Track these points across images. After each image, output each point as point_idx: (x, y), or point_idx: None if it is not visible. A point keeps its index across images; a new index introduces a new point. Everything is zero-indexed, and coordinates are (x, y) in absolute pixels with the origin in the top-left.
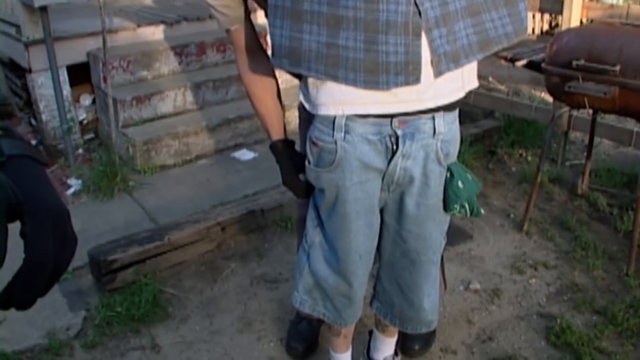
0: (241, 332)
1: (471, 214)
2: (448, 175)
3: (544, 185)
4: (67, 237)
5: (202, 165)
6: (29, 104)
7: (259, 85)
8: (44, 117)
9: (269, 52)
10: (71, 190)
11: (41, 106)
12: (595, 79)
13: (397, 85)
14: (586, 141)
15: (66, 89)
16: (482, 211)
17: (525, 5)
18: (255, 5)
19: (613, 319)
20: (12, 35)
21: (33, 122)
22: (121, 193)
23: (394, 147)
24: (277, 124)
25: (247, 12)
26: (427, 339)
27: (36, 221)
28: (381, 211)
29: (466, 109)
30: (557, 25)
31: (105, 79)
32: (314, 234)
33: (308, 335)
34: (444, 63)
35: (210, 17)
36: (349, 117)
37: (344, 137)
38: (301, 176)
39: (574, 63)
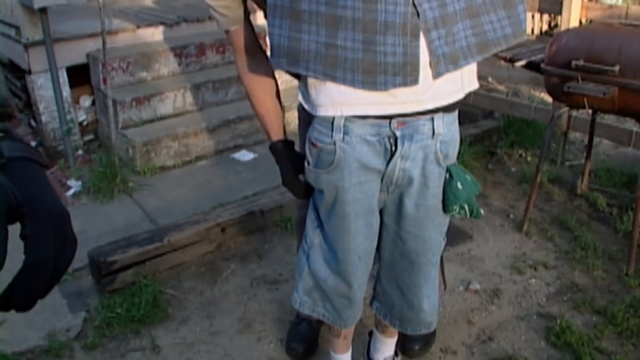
0: (241, 333)
1: (471, 215)
2: (447, 176)
3: (544, 186)
4: (67, 239)
5: (202, 166)
6: (29, 106)
7: (259, 86)
8: (43, 118)
9: (269, 52)
10: (71, 192)
11: (41, 107)
12: (594, 79)
13: (394, 86)
14: (586, 141)
15: (66, 91)
16: (482, 212)
17: (525, 8)
18: (255, 6)
19: (613, 319)
20: (11, 37)
21: (33, 123)
22: (121, 194)
23: (393, 148)
24: (276, 124)
25: (247, 13)
26: (427, 339)
27: (36, 223)
28: (381, 212)
29: (466, 110)
30: (556, 25)
31: (104, 80)
32: (313, 235)
33: (308, 336)
34: (443, 64)
35: (210, 18)
36: (347, 118)
37: (343, 138)
38: (301, 177)
39: (573, 63)
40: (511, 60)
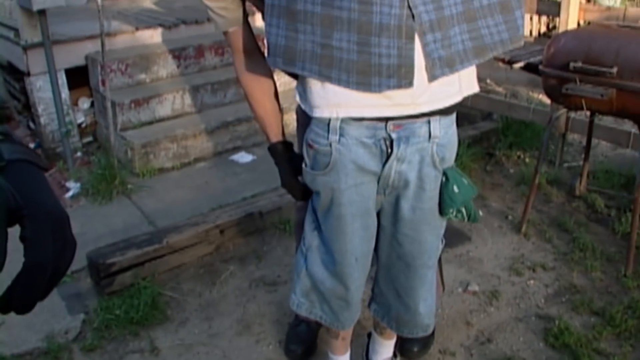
0: (240, 334)
1: (468, 218)
2: (443, 179)
3: (542, 187)
4: (66, 241)
5: (201, 168)
6: (28, 107)
7: (257, 87)
8: (42, 120)
9: (266, 52)
10: (70, 194)
11: (40, 109)
12: (592, 80)
13: (389, 88)
14: (584, 143)
15: (65, 92)
16: (480, 216)
17: (522, 13)
18: (254, 8)
19: (611, 320)
20: (10, 39)
21: (31, 125)
22: (120, 196)
23: (389, 150)
24: (275, 125)
25: (245, 14)
26: (426, 341)
27: (36, 225)
28: (378, 214)
29: (464, 111)
30: (554, 27)
31: (103, 82)
32: (311, 237)
33: (307, 337)
34: (438, 68)
35: (209, 20)
36: (343, 120)
37: (339, 139)
38: (300, 178)
39: (572, 65)
40: (509, 62)
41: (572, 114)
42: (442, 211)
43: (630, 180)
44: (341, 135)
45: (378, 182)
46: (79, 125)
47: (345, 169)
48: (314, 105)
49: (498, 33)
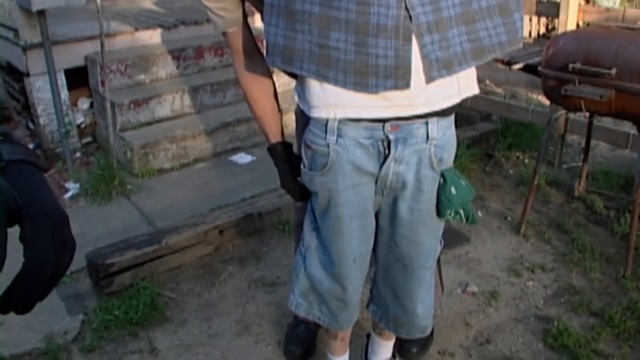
0: (239, 335)
1: (467, 220)
2: (441, 181)
3: (541, 188)
4: (66, 241)
5: (200, 168)
6: (27, 108)
7: (257, 88)
8: (41, 120)
9: (264, 52)
10: (69, 194)
11: (39, 110)
12: (591, 82)
13: (386, 88)
14: (583, 144)
15: (64, 93)
16: (478, 218)
17: (521, 15)
18: (253, 9)
19: (610, 321)
20: (10, 39)
21: (31, 125)
22: (119, 197)
23: (386, 151)
24: (275, 126)
25: (245, 15)
26: (425, 342)
27: (35, 225)
28: (377, 215)
29: (463, 112)
30: (553, 28)
31: (103, 83)
32: (310, 238)
33: (306, 338)
34: (436, 69)
35: (208, 20)
36: (341, 121)
37: (337, 140)
38: (299, 179)
39: (571, 66)
40: (509, 63)
41: (571, 115)
42: (439, 212)
43: (629, 181)
44: (339, 135)
45: (376, 183)
46: (78, 126)
47: (343, 169)
48: (312, 105)
49: (497, 35)
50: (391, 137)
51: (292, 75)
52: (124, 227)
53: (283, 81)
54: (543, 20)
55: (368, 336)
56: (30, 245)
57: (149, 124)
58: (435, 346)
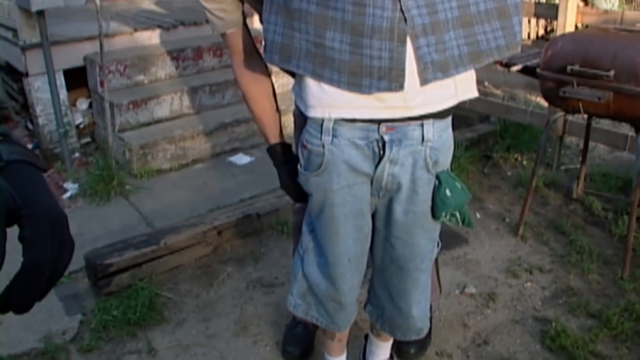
0: (237, 336)
1: (463, 223)
2: (436, 182)
3: (539, 190)
4: (64, 241)
5: (199, 169)
6: (26, 108)
7: (256, 89)
8: (40, 121)
9: (262, 49)
10: (67, 194)
11: (38, 110)
12: (589, 84)
13: (379, 90)
14: (581, 145)
15: (63, 93)
16: (474, 221)
17: (520, 20)
18: (252, 10)
19: (608, 322)
20: (9, 39)
21: (29, 125)
22: (118, 197)
23: (381, 152)
24: (274, 127)
25: (244, 16)
26: (423, 343)
27: (34, 225)
28: (373, 216)
29: (462, 114)
30: (552, 30)
31: (102, 83)
32: (308, 239)
33: (304, 339)
34: (431, 72)
35: (207, 21)
36: (336, 121)
37: (332, 140)
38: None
39: (569, 68)
40: (507, 65)
41: (570, 117)
42: (434, 214)
43: (627, 183)
44: (334, 136)
45: (371, 185)
46: (77, 126)
47: (338, 169)
48: (308, 104)
49: (495, 39)
50: (386, 138)
51: (291, 73)
52: (123, 228)
53: (282, 82)
54: (542, 22)
55: (366, 337)
56: (29, 245)
57: (148, 124)
58: (433, 347)
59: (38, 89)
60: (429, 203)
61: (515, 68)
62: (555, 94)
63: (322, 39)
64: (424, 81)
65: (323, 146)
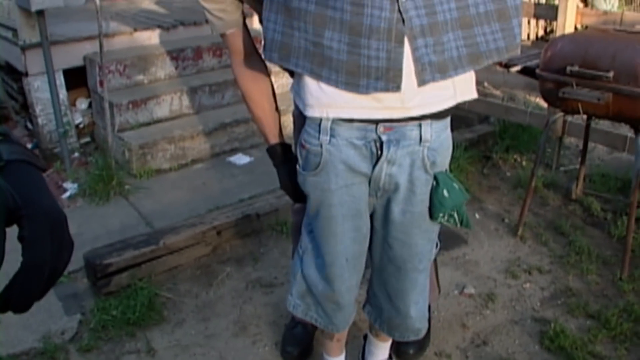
0: (236, 336)
1: (461, 224)
2: (434, 183)
3: (539, 190)
4: (64, 241)
5: (198, 169)
6: (25, 108)
7: (255, 89)
8: (40, 120)
9: (262, 46)
10: (67, 194)
11: (37, 110)
12: (589, 84)
13: (376, 90)
14: (580, 146)
15: (62, 93)
16: (472, 222)
17: (519, 22)
18: (251, 10)
19: (607, 323)
20: (8, 39)
21: (29, 125)
22: (117, 197)
23: (379, 152)
24: (274, 127)
25: (243, 16)
26: (422, 343)
27: (34, 225)
28: (371, 216)
29: (461, 114)
30: (552, 31)
31: (101, 83)
32: (307, 240)
33: (303, 339)
34: (429, 73)
35: (207, 21)
36: (334, 121)
37: (330, 140)
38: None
39: (568, 69)
40: (507, 66)
41: (569, 118)
42: (432, 215)
43: (627, 184)
44: (332, 135)
45: (369, 185)
46: (77, 126)
47: (336, 169)
48: (307, 103)
49: (494, 41)
50: (384, 138)
51: (290, 72)
52: (122, 227)
53: (281, 82)
54: (541, 22)
55: (365, 337)
56: (28, 245)
57: (148, 124)
58: (432, 347)
59: (38, 88)
60: (427, 203)
61: (514, 69)
62: (554, 94)
63: (320, 38)
64: (421, 82)
65: (321, 146)
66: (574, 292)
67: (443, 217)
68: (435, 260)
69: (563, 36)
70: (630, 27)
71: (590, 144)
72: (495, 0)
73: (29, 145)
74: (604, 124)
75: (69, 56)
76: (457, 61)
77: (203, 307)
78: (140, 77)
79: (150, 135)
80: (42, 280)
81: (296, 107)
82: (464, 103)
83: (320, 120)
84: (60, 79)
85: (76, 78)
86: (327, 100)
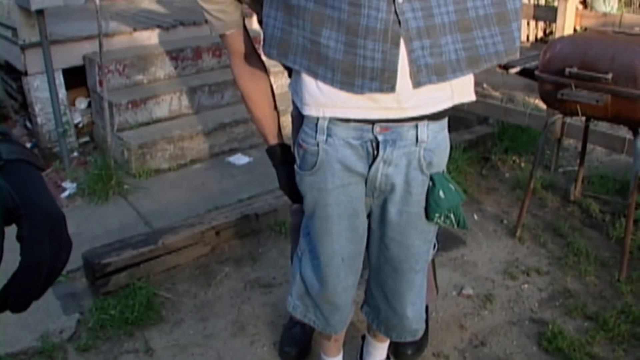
0: (235, 336)
1: (457, 225)
2: (430, 184)
3: (537, 192)
4: (62, 241)
5: (197, 169)
6: (25, 107)
7: (255, 89)
8: (39, 120)
9: (261, 42)
10: (66, 193)
11: (37, 109)
12: (587, 86)
13: (371, 90)
14: (579, 148)
15: (62, 92)
16: (469, 223)
17: (519, 25)
18: (251, 10)
19: (604, 324)
20: (8, 38)
21: (28, 124)
22: (116, 196)
23: (375, 152)
24: (273, 127)
25: (242, 17)
26: (420, 344)
27: (33, 225)
28: (369, 217)
29: (460, 115)
30: (551, 32)
31: (101, 83)
32: (305, 242)
33: (301, 339)
34: (425, 75)
35: (207, 21)
36: (331, 121)
37: (326, 139)
38: None
39: (567, 71)
40: (506, 67)
41: (568, 119)
42: (428, 216)
43: (625, 185)
44: (328, 135)
45: (366, 185)
46: (76, 126)
47: (332, 169)
48: (304, 102)
49: (493, 44)
50: (380, 138)
51: (288, 71)
52: (121, 227)
53: (281, 83)
54: (540, 24)
55: (363, 338)
56: (27, 244)
57: (147, 124)
58: (430, 348)
59: (37, 88)
60: (423, 204)
61: (513, 70)
62: (553, 96)
63: (318, 36)
64: (416, 84)
65: (318, 145)
66: (572, 293)
67: (439, 217)
68: (433, 261)
69: (562, 38)
70: (629, 29)
71: (589, 146)
72: (495, 3)
73: (28, 145)
74: (602, 126)
75: (69, 56)
76: (456, 64)
77: (201, 307)
78: (139, 77)
79: (149, 135)
80: (41, 279)
81: (295, 106)
82: (463, 104)
83: (317, 119)
84: (59, 79)
85: (75, 77)
86: (324, 100)
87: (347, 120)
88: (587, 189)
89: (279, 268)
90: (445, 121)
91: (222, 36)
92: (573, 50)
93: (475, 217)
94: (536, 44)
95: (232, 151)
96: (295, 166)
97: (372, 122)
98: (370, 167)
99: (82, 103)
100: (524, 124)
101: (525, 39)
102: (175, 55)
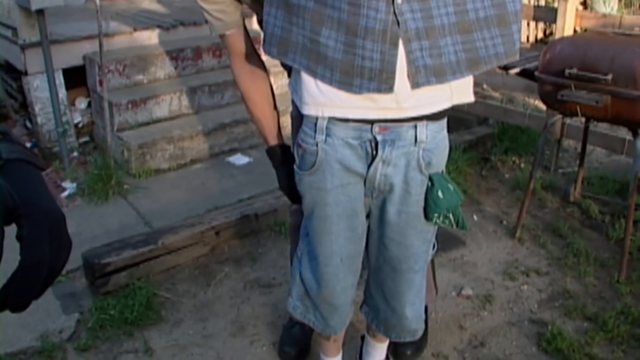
0: (234, 336)
1: (456, 225)
2: (429, 184)
3: (537, 192)
4: (62, 241)
5: (197, 169)
6: (25, 107)
7: (255, 90)
8: (39, 119)
9: (262, 40)
10: (66, 193)
11: (37, 109)
12: (587, 87)
13: (369, 90)
14: (579, 149)
15: (62, 92)
16: (468, 224)
17: (519, 27)
18: (250, 10)
19: (604, 325)
20: (8, 38)
21: (28, 124)
22: (116, 196)
23: (374, 152)
24: (273, 128)
25: (242, 17)
26: (419, 344)
27: (32, 225)
28: (368, 217)
29: (460, 116)
30: (551, 33)
31: (101, 83)
32: (304, 242)
33: (300, 339)
34: (423, 76)
35: (207, 21)
36: (330, 120)
37: (325, 139)
38: None
39: (567, 71)
40: (506, 68)
41: (568, 120)
42: (426, 216)
43: (625, 186)
44: (327, 135)
45: (365, 185)
46: (76, 125)
47: (331, 168)
48: (303, 101)
49: (493, 46)
50: (379, 138)
51: (288, 70)
52: (121, 227)
53: (281, 83)
54: (540, 25)
55: (362, 338)
56: (27, 244)
57: (147, 124)
58: (429, 349)
59: (37, 87)
60: (422, 204)
61: (513, 71)
62: (553, 97)
63: (317, 35)
64: (414, 85)
65: (317, 145)
66: (571, 294)
67: (438, 217)
68: (432, 261)
69: (562, 39)
70: (629, 30)
71: (589, 147)
72: (495, 5)
73: (28, 144)
74: (602, 127)
75: (69, 55)
76: (456, 66)
77: (201, 307)
78: (139, 77)
79: (149, 135)
80: (40, 279)
81: (294, 107)
82: (463, 105)
83: (316, 119)
84: (59, 78)
85: (75, 77)
86: (323, 99)
87: (346, 120)
88: (587, 189)
89: (278, 268)
90: (444, 121)
91: (222, 36)
92: (573, 51)
93: (475, 217)
94: (536, 45)
95: (232, 151)
96: (295, 166)
97: (371, 122)
98: (369, 167)
99: (82, 103)
100: (523, 125)
101: (525, 39)
102: (175, 55)
